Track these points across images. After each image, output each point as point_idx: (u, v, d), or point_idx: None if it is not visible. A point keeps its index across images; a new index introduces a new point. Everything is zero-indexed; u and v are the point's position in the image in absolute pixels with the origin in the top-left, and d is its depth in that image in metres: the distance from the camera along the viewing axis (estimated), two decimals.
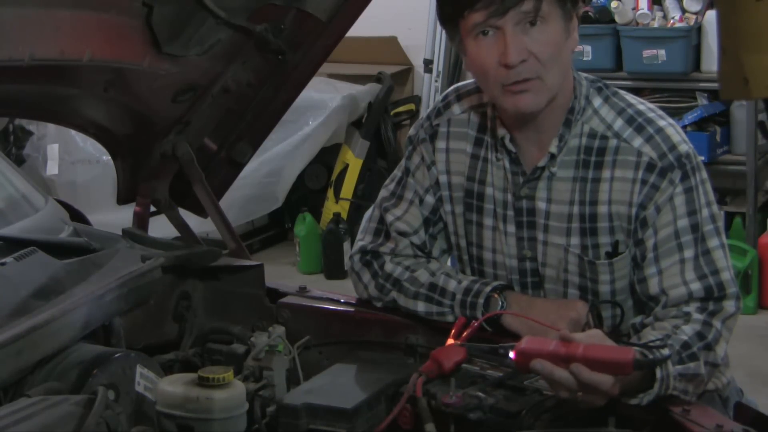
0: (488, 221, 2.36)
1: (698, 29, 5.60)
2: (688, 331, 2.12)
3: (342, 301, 2.52)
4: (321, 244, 6.10)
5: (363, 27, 2.85)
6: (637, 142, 2.22)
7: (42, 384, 1.93)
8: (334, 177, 6.32)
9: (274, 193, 6.03)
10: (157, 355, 2.28)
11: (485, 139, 2.35)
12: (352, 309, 2.48)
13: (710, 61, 5.58)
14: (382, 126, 6.35)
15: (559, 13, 2.18)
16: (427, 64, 6.31)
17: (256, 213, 6.14)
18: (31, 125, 6.11)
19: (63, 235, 2.53)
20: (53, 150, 6.03)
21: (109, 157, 2.74)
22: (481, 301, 2.31)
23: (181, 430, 1.91)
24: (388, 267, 2.42)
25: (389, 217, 2.45)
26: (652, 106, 2.31)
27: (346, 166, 6.27)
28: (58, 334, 1.99)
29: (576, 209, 2.26)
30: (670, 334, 2.10)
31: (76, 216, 3.03)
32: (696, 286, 2.17)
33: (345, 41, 2.66)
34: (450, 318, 2.34)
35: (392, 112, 6.44)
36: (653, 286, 2.21)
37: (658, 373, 2.00)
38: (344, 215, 6.17)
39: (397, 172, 2.50)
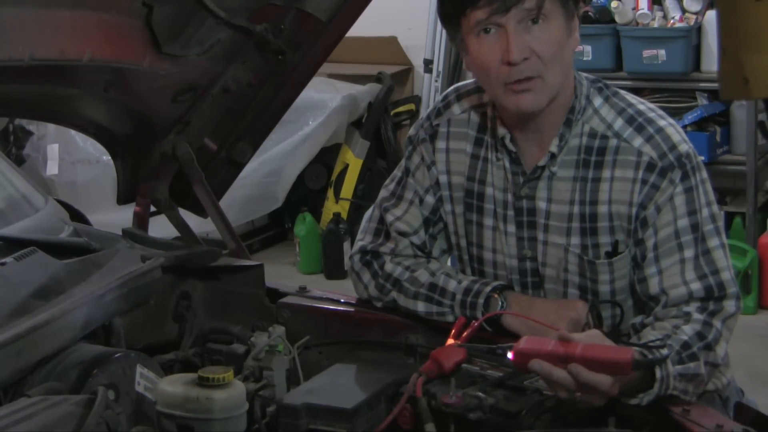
0: (488, 221, 2.36)
1: (698, 29, 5.60)
2: (688, 331, 2.12)
3: (342, 301, 2.52)
4: (321, 244, 6.10)
5: (363, 27, 2.85)
6: (638, 141, 2.22)
7: (42, 384, 1.93)
8: (334, 177, 6.32)
9: (274, 193, 6.02)
10: (157, 355, 2.28)
11: (485, 139, 2.36)
12: (352, 309, 2.48)
13: (710, 61, 5.58)
14: (382, 126, 6.35)
15: (561, 11, 2.18)
16: (427, 64, 6.31)
17: (256, 213, 6.14)
18: (31, 125, 6.11)
19: (63, 235, 2.54)
20: (53, 150, 6.03)
21: (109, 157, 2.74)
22: (481, 301, 2.31)
23: (181, 430, 1.91)
24: (388, 267, 2.42)
25: (389, 217, 2.45)
26: (652, 106, 2.31)
27: (346, 166, 6.27)
28: (58, 334, 1.99)
29: (576, 209, 2.26)
30: (670, 334, 2.10)
31: (76, 216, 3.03)
32: (696, 286, 2.17)
33: (345, 41, 2.66)
34: (450, 318, 2.34)
35: (392, 112, 6.43)
36: (653, 286, 2.21)
37: (658, 373, 2.00)
38: (344, 215, 6.17)
39: (397, 172, 2.50)
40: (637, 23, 5.72)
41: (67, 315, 2.02)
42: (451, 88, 2.46)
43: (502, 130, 2.30)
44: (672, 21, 5.66)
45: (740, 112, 5.65)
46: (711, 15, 5.54)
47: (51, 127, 5.94)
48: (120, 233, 2.50)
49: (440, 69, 6.26)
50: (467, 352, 2.12)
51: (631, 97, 2.31)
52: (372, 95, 6.26)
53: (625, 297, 2.30)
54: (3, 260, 2.13)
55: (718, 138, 5.69)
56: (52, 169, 6.04)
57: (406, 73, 6.58)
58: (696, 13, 5.63)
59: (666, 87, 5.74)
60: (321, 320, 2.45)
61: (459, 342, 2.18)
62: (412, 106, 6.52)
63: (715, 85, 5.29)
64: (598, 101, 2.28)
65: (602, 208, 2.24)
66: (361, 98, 6.23)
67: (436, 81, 6.26)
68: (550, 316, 2.23)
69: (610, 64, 5.76)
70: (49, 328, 1.97)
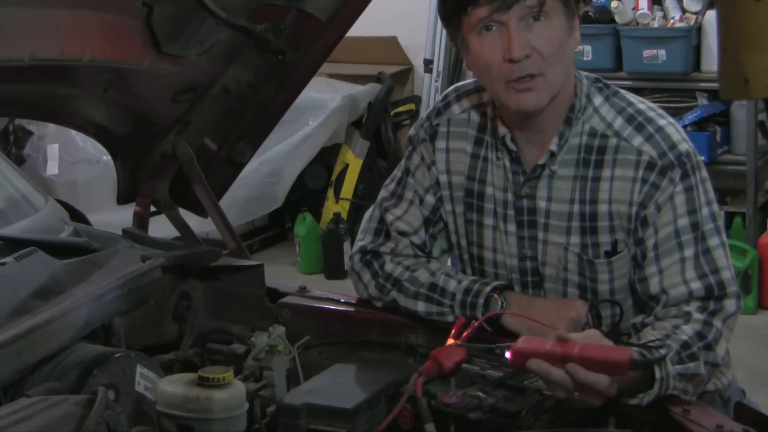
0: (489, 221, 2.36)
1: (698, 29, 5.60)
2: (688, 330, 2.12)
3: (342, 301, 2.52)
4: (321, 244, 6.10)
5: (363, 27, 2.85)
6: (637, 140, 2.22)
7: (42, 384, 1.93)
8: (334, 177, 6.32)
9: (274, 193, 6.02)
10: (157, 355, 2.28)
11: (485, 138, 2.36)
12: (352, 309, 2.48)
13: (710, 61, 5.58)
14: (382, 126, 6.35)
15: (562, 9, 2.18)
16: (427, 64, 6.31)
17: (256, 213, 6.14)
18: (31, 125, 6.11)
19: (63, 235, 2.54)
20: (53, 150, 6.04)
21: (109, 157, 2.74)
22: (481, 301, 2.31)
23: (181, 430, 1.91)
24: (388, 267, 2.42)
25: (389, 217, 2.45)
26: (652, 105, 2.31)
27: (346, 166, 6.27)
28: (58, 334, 1.99)
29: (576, 208, 2.26)
30: (669, 334, 2.10)
31: (76, 216, 3.03)
32: (696, 285, 2.17)
33: (345, 41, 2.66)
34: (450, 318, 2.34)
35: (392, 112, 6.43)
36: (654, 286, 2.21)
37: (658, 373, 2.00)
38: (344, 215, 6.17)
39: (397, 172, 2.50)
40: (637, 23, 5.72)
41: (67, 315, 2.02)
42: (451, 87, 2.46)
43: (502, 130, 2.30)
44: (672, 21, 5.66)
45: (740, 112, 5.65)
46: (711, 15, 5.54)
47: (51, 127, 5.94)
48: (120, 233, 2.50)
49: (440, 69, 6.26)
50: (467, 352, 2.12)
51: (632, 97, 2.31)
52: (372, 95, 6.26)
53: (625, 296, 2.30)
54: (3, 260, 2.13)
55: (718, 138, 5.69)
56: (52, 169, 6.04)
57: (406, 73, 6.59)
58: (696, 13, 5.63)
59: (666, 87, 5.74)
60: (321, 320, 2.45)
61: (459, 342, 2.18)
62: (412, 106, 6.52)
63: (715, 85, 5.29)
64: (598, 100, 2.28)
65: (602, 208, 2.24)
66: (361, 98, 6.23)
67: (436, 81, 6.26)
68: (550, 316, 2.23)
69: (610, 64, 5.77)
70: (49, 328, 1.97)
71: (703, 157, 2.37)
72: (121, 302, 2.18)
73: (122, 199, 2.79)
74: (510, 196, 2.32)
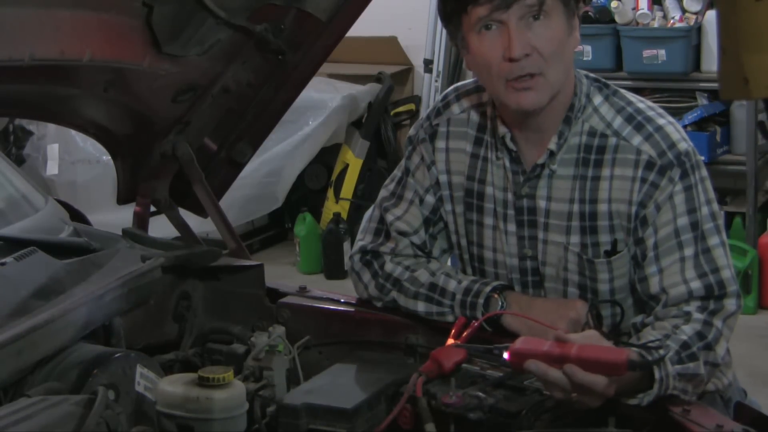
0: (488, 220, 2.36)
1: (698, 29, 5.60)
2: (687, 330, 2.12)
3: (342, 301, 2.52)
4: (321, 244, 6.10)
5: (363, 27, 2.85)
6: (637, 140, 2.22)
7: (42, 384, 1.93)
8: (334, 177, 6.32)
9: (274, 193, 6.02)
10: (157, 355, 2.28)
11: (485, 138, 2.36)
12: (352, 309, 2.48)
13: (710, 61, 5.58)
14: (382, 126, 6.35)
15: (562, 8, 2.19)
16: (427, 64, 6.31)
17: (256, 213, 6.14)
18: (31, 125, 6.11)
19: (63, 235, 2.54)
20: (53, 150, 6.04)
21: (109, 157, 2.74)
22: (481, 301, 2.31)
23: (181, 430, 1.91)
24: (388, 267, 2.42)
25: (389, 217, 2.45)
26: (652, 104, 2.31)
27: (346, 166, 6.27)
28: (58, 334, 1.99)
29: (576, 207, 2.26)
30: (669, 333, 2.10)
31: (76, 216, 3.03)
32: (696, 285, 2.17)
33: (345, 41, 2.66)
34: (450, 318, 2.34)
35: (392, 112, 6.43)
36: (654, 285, 2.21)
37: (657, 373, 2.00)
38: (344, 215, 6.17)
39: (397, 172, 2.50)
40: (637, 23, 5.72)
41: (67, 315, 2.02)
42: (451, 87, 2.46)
43: (502, 129, 2.30)
44: (672, 21, 5.66)
45: (740, 112, 5.65)
46: (711, 15, 5.54)
47: (51, 127, 5.94)
48: (120, 233, 2.50)
49: (440, 69, 6.26)
50: (467, 352, 2.12)
51: (631, 96, 2.31)
52: (372, 95, 6.26)
53: (625, 296, 2.30)
54: (3, 260, 2.13)
55: (718, 138, 5.69)
56: (52, 169, 6.04)
57: (406, 73, 6.59)
58: (696, 13, 5.63)
59: (666, 87, 5.74)
60: (321, 320, 2.45)
61: (459, 342, 2.18)
62: (412, 106, 6.52)
63: (715, 85, 5.29)
64: (597, 100, 2.28)
65: (602, 207, 2.24)
66: (361, 98, 6.23)
67: (436, 81, 6.26)
68: (550, 316, 2.23)
69: (610, 64, 5.76)
70: (49, 328, 1.97)
71: (703, 157, 2.37)
72: (121, 302, 2.18)
73: (122, 199, 2.79)
74: (510, 196, 2.32)
